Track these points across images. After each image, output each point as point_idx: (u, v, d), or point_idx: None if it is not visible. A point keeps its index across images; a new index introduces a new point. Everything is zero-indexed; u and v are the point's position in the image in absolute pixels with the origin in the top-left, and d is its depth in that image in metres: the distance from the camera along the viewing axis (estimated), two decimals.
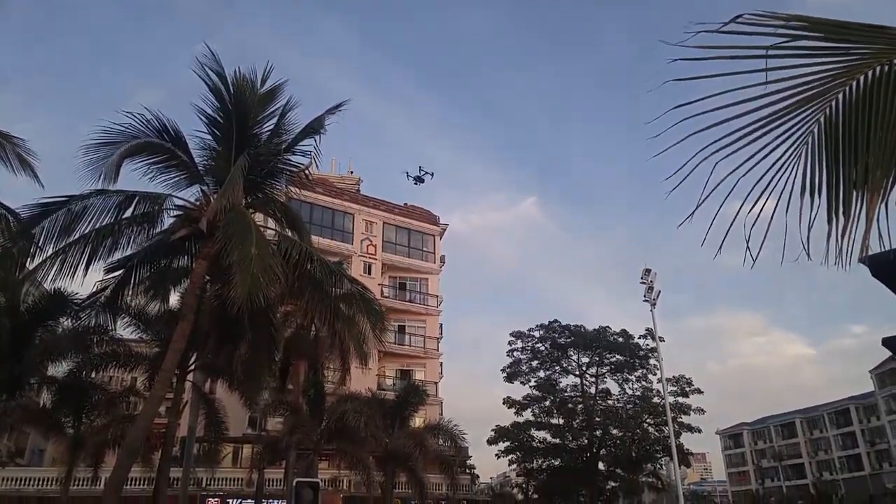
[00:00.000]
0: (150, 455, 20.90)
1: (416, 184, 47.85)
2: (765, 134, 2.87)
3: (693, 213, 2.95)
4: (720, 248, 2.99)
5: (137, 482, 24.25)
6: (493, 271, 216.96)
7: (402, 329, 42.52)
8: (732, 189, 2.90)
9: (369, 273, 41.62)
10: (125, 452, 13.59)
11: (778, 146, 2.91)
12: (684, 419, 43.12)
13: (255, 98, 14.82)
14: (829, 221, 2.82)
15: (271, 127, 15.30)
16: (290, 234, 16.74)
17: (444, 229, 48.69)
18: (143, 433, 14.03)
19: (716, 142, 2.84)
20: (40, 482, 30.96)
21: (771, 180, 2.95)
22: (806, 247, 2.84)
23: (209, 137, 15.04)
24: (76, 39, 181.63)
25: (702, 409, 43.56)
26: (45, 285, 16.65)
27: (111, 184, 13.65)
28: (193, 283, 14.24)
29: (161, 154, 14.66)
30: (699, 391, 43.92)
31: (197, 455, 24.86)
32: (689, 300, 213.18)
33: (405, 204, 47.89)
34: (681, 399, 43.44)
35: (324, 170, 40.19)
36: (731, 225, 2.91)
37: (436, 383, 41.93)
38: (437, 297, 45.60)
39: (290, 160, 15.26)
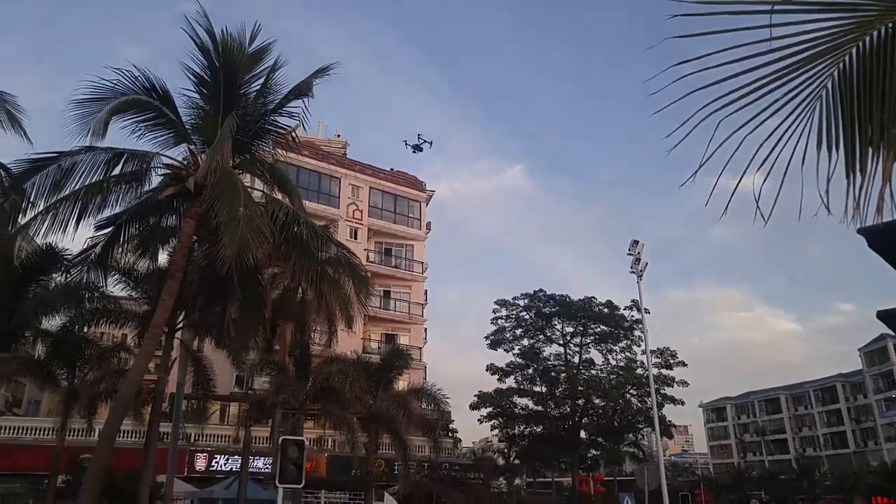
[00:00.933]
0: (141, 410, 21.40)
1: (414, 152, 47.67)
2: (773, 90, 2.81)
3: (696, 172, 2.93)
4: (725, 208, 2.97)
5: (129, 435, 24.76)
6: (477, 239, 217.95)
7: (387, 294, 42.92)
8: (737, 148, 2.83)
9: (355, 238, 41.73)
10: (117, 405, 13.96)
11: (787, 103, 2.84)
12: (667, 391, 44.01)
13: (243, 57, 14.80)
14: (847, 177, 2.76)
15: (258, 87, 15.31)
16: (278, 195, 16.97)
17: (431, 196, 48.84)
18: (133, 387, 14.42)
19: (719, 98, 2.78)
20: (37, 431, 31.54)
21: (780, 139, 2.88)
22: (825, 201, 2.78)
23: (196, 96, 15.09)
24: None
25: (685, 382, 44.53)
26: (37, 241, 16.92)
27: (100, 140, 13.70)
28: (182, 242, 14.44)
29: (149, 111, 14.69)
30: (683, 364, 44.84)
31: (186, 411, 25.42)
32: (669, 272, 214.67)
33: (392, 169, 47.83)
34: (665, 371, 44.30)
35: (311, 132, 40.09)
36: (735, 190, 2.84)
37: (420, 348, 42.45)
38: (422, 263, 45.99)
39: (277, 121, 15.35)
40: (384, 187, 45.92)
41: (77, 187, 13.82)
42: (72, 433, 23.37)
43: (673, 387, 44.36)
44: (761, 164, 2.87)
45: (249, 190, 14.85)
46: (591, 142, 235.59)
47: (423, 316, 44.50)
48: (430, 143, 47.73)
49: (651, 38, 2.74)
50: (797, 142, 2.87)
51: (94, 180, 13.91)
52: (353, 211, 43.18)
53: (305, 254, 15.76)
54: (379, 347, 39.87)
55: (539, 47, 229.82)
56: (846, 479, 70.03)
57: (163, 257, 18.67)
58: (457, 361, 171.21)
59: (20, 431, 31.70)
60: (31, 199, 13.67)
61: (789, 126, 2.89)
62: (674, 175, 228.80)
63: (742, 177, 2.86)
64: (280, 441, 14.69)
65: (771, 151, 2.88)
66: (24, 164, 13.17)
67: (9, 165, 13.84)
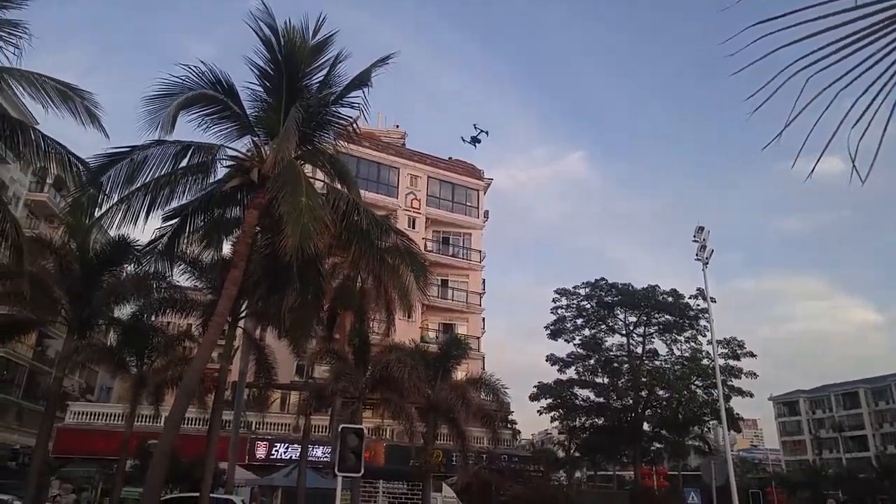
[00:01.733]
0: (205, 397, 22.08)
1: (473, 144, 47.13)
2: (862, 48, 2.67)
3: (781, 132, 2.83)
4: (811, 172, 2.83)
5: (193, 422, 25.62)
6: (535, 227, 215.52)
7: (444, 283, 42.83)
8: (826, 109, 2.66)
9: (413, 227, 41.78)
10: (182, 392, 14.37)
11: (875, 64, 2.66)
12: (735, 382, 42.43)
13: (305, 49, 14.91)
14: None
15: (320, 79, 15.44)
16: (338, 186, 17.06)
17: (489, 184, 48.46)
18: (197, 375, 14.82)
19: (806, 56, 2.67)
20: (108, 417, 33.14)
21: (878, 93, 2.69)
22: None
23: (260, 89, 15.33)
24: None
25: (754, 374, 42.72)
26: (110, 232, 17.62)
27: (168, 134, 14.06)
28: (245, 232, 14.68)
29: (214, 105, 15.01)
30: (752, 354, 42.98)
31: (247, 400, 26.13)
32: (739, 261, 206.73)
33: (450, 158, 47.64)
34: (732, 362, 42.67)
35: (371, 123, 40.33)
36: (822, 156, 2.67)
37: (478, 338, 42.28)
38: (480, 252, 45.78)
39: (339, 112, 15.45)
40: (442, 176, 45.83)
41: (147, 179, 14.26)
42: (140, 419, 24.35)
43: (741, 378, 42.71)
44: (856, 121, 2.61)
45: (311, 180, 14.99)
46: (653, 128, 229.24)
47: (480, 305, 44.31)
48: (487, 133, 47.15)
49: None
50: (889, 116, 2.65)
51: (163, 172, 14.33)
52: (412, 200, 43.31)
53: (365, 242, 15.81)
54: (437, 337, 39.92)
55: (600, 32, 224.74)
56: None
57: (226, 248, 19.29)
58: (513, 352, 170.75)
59: (93, 417, 33.36)
60: (107, 192, 14.17)
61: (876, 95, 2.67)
62: (739, 163, 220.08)
63: (825, 149, 2.68)
64: (339, 429, 14.77)
65: (865, 110, 2.68)
66: (101, 158, 13.66)
67: (87, 160, 14.38)
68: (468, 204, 46.49)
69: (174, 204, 15.22)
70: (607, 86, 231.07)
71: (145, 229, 15.38)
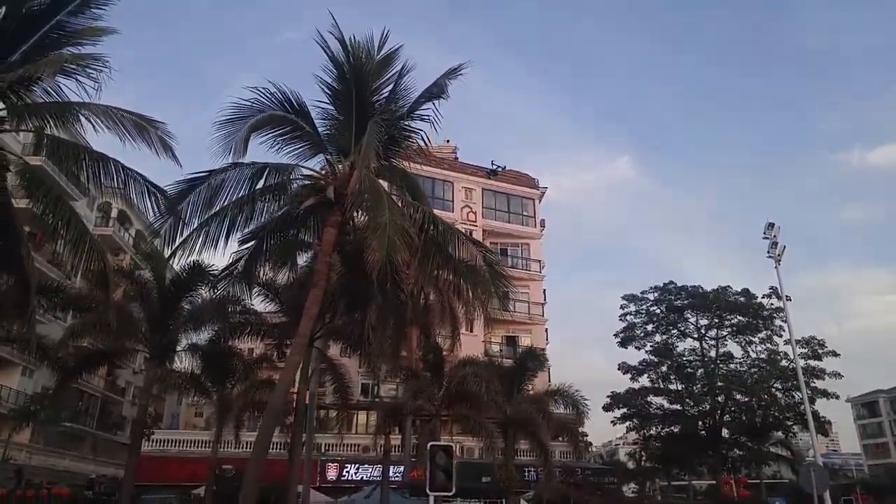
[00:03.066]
0: (284, 420, 22.01)
1: (489, 177, 46.41)
2: None
3: None
4: None
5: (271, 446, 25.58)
6: (588, 234, 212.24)
7: (505, 294, 42.06)
8: None
9: (462, 243, 41.07)
10: (269, 416, 14.21)
11: None
12: (818, 384, 40.34)
13: (372, 64, 14.79)
14: None
15: (387, 94, 15.29)
16: (409, 200, 16.83)
17: (544, 192, 47.91)
18: (284, 397, 14.73)
19: None
20: (183, 444, 33.69)
21: None
22: None
23: (330, 107, 15.31)
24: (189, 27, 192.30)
25: (839, 374, 40.55)
26: (190, 258, 17.78)
27: (241, 157, 14.11)
28: (324, 250, 14.52)
29: (285, 126, 15.02)
30: (835, 354, 40.78)
31: (318, 421, 26.00)
32: (799, 257, 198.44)
33: (504, 168, 47.21)
34: (812, 362, 40.61)
35: (437, 137, 40.24)
36: None
37: (543, 349, 41.34)
38: (539, 261, 45.09)
39: (410, 126, 15.26)
40: (496, 187, 45.50)
41: (225, 203, 14.30)
42: (204, 445, 23.92)
43: (824, 379, 40.57)
44: None
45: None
46: (696, 127, 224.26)
47: (543, 315, 43.57)
48: (504, 167, 46.71)
49: None
50: None
51: (240, 195, 14.35)
52: (468, 213, 43.02)
53: (443, 254, 15.51)
54: (500, 350, 39.29)
55: (636, 33, 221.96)
56: None
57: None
58: (574, 361, 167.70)
59: (169, 444, 33.93)
60: (185, 219, 14.24)
61: None
62: (786, 156, 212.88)
63: None
64: (429, 447, 14.42)
65: None
66: (180, 184, 13.71)
67: (165, 189, 14.51)
68: (524, 213, 46.01)
69: (252, 226, 15.25)
70: (644, 86, 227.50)
71: (225, 252, 15.28)
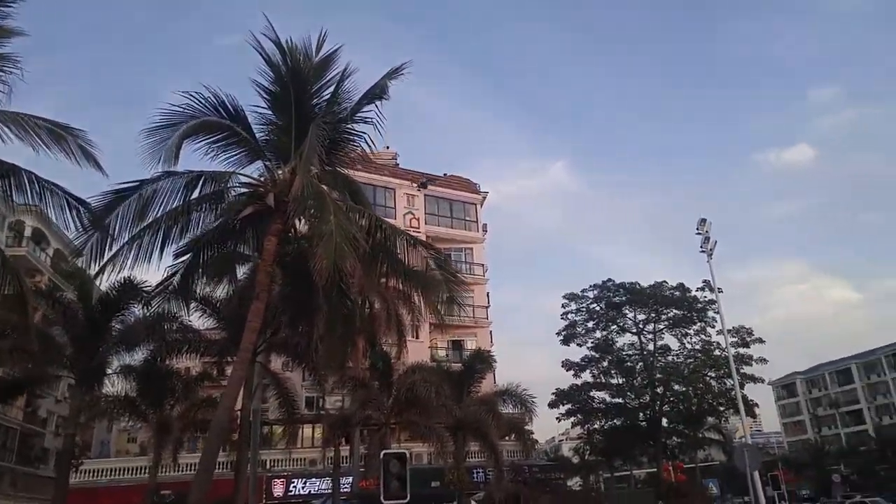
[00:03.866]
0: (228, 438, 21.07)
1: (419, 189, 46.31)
2: None
3: None
4: None
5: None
6: (526, 239, 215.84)
7: (451, 299, 41.95)
8: None
9: (412, 247, 40.92)
10: (214, 433, 13.47)
11: None
12: (746, 370, 42.34)
13: (311, 67, 14.28)
14: None
15: (328, 96, 14.81)
16: (353, 205, 16.39)
17: (485, 197, 48.05)
18: (229, 415, 13.98)
19: None
20: (113, 472, 31.76)
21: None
22: None
23: (268, 111, 14.66)
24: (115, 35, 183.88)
25: (764, 359, 42.77)
26: (120, 274, 16.66)
27: (172, 166, 13.34)
28: (266, 261, 13.90)
29: (220, 131, 14.28)
30: (761, 340, 43.03)
31: (263, 437, 25.11)
32: (723, 254, 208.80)
33: (445, 174, 47.18)
34: (742, 350, 42.62)
35: (379, 141, 39.53)
36: None
37: (488, 352, 41.57)
38: (482, 265, 45.22)
39: (352, 129, 14.82)
40: (439, 193, 45.31)
41: (159, 214, 13.47)
42: (142, 472, 22.47)
43: (752, 365, 42.68)
44: None
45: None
46: (627, 133, 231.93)
47: (487, 318, 43.74)
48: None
49: None
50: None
51: (174, 205, 13.55)
52: (410, 220, 42.65)
53: (392, 260, 15.19)
54: (447, 354, 39.18)
55: (569, 37, 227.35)
56: None
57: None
58: (519, 362, 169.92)
59: (99, 474, 31.94)
60: (114, 233, 13.31)
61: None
62: (713, 158, 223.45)
63: None
64: (382, 456, 14.24)
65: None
66: (107, 196, 12.79)
67: (89, 200, 13.51)
68: (467, 218, 46.02)
69: (187, 238, 14.42)
70: (577, 94, 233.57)
71: (159, 267, 14.34)
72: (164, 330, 18.50)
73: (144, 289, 17.81)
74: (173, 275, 15.30)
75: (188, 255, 15.07)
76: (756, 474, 24.17)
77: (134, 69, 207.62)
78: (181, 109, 13.41)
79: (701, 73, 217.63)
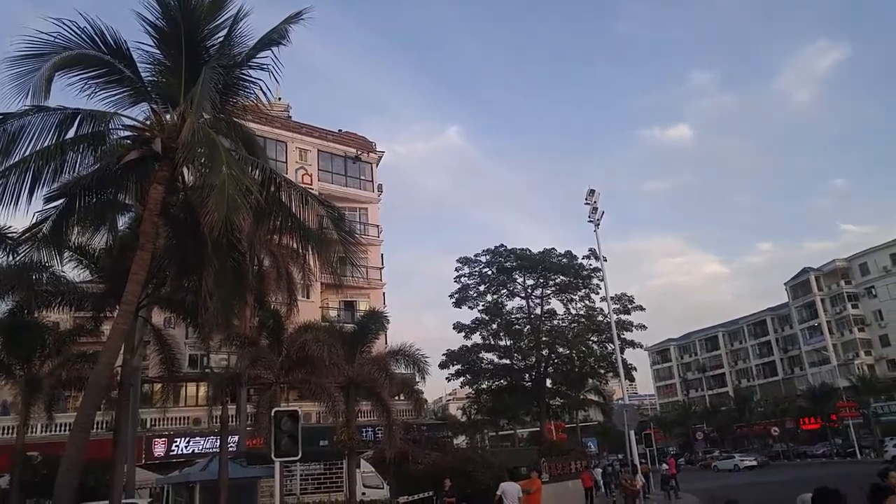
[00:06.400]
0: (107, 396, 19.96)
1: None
2: None
3: None
4: None
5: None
6: (423, 201, 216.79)
7: (344, 259, 41.59)
8: None
9: (306, 203, 39.98)
10: (92, 391, 12.71)
11: None
12: (626, 335, 45.23)
13: (203, 6, 13.49)
14: None
15: (221, 39, 14.04)
16: (247, 156, 15.77)
17: (381, 156, 47.52)
18: (109, 370, 13.22)
19: None
20: None
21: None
22: None
23: (155, 50, 13.68)
24: None
25: (643, 326, 45.85)
26: None
27: (43, 100, 12.28)
28: (151, 209, 13.13)
29: (99, 67, 13.17)
30: (641, 308, 46.12)
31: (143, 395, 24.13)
32: (607, 226, 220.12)
33: (340, 130, 46.13)
34: (623, 316, 45.40)
35: (270, 92, 37.86)
36: None
37: (382, 313, 41.55)
38: (377, 226, 44.98)
39: (248, 75, 14.16)
40: (333, 150, 44.20)
41: (27, 154, 12.32)
42: (7, 432, 21.07)
43: (632, 331, 45.66)
44: None
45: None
46: (522, 103, 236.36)
47: (381, 280, 43.75)
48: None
49: None
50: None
51: (46, 144, 12.43)
52: (303, 176, 41.48)
53: (286, 215, 14.83)
54: (339, 315, 38.98)
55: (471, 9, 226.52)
56: (778, 405, 75.11)
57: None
58: (409, 324, 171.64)
59: None
60: None
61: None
62: (603, 133, 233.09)
63: None
64: (273, 413, 14.10)
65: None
66: None
67: None
68: (362, 178, 45.31)
69: (62, 181, 13.32)
70: (477, 60, 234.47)
71: (28, 211, 13.10)
72: (31, 280, 17.06)
73: (9, 235, 16.31)
74: (44, 220, 14.11)
75: (62, 200, 13.94)
76: (632, 433, 26.19)
77: None
78: (52, 38, 12.27)
79: (592, 49, 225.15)
